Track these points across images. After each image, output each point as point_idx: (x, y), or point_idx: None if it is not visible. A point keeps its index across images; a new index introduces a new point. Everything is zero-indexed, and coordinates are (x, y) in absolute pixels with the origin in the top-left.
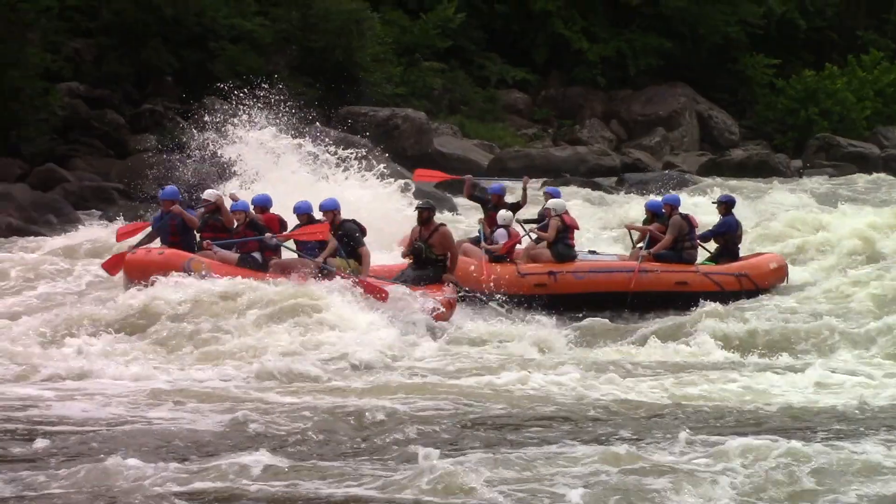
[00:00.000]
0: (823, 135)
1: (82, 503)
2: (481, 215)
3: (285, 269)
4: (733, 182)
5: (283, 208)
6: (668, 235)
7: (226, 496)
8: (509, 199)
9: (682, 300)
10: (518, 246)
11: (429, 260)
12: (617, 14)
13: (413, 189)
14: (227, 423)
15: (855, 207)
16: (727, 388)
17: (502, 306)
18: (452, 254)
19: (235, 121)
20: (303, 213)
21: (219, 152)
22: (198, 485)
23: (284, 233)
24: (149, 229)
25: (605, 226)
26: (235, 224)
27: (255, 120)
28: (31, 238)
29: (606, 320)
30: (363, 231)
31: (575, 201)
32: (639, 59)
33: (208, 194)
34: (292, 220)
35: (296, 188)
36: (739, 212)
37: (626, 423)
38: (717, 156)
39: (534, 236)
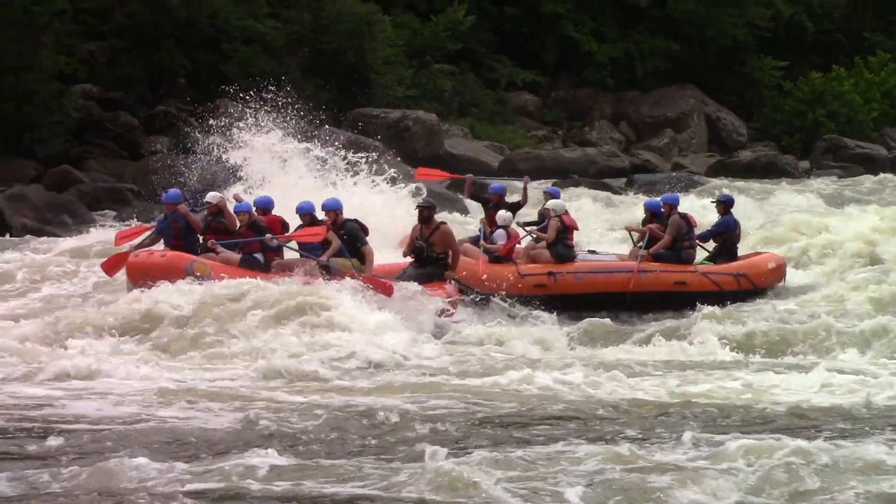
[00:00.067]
0: (831, 136)
1: (91, 502)
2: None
3: (288, 270)
4: (740, 183)
5: (287, 211)
6: (667, 235)
7: (233, 494)
8: (515, 197)
9: (680, 300)
10: (517, 246)
11: (430, 258)
12: (625, 16)
13: (424, 193)
14: (235, 423)
15: (859, 209)
16: (731, 388)
17: (504, 300)
18: (454, 252)
19: (241, 124)
20: (305, 213)
21: (223, 157)
22: (205, 483)
23: (284, 234)
24: (151, 232)
25: (612, 227)
26: (238, 225)
27: (262, 123)
28: (45, 239)
29: (608, 320)
30: (365, 230)
31: (584, 201)
32: (647, 62)
33: (211, 197)
34: (294, 221)
35: (303, 194)
36: (747, 212)
37: (631, 422)
38: (725, 157)
39: (534, 236)
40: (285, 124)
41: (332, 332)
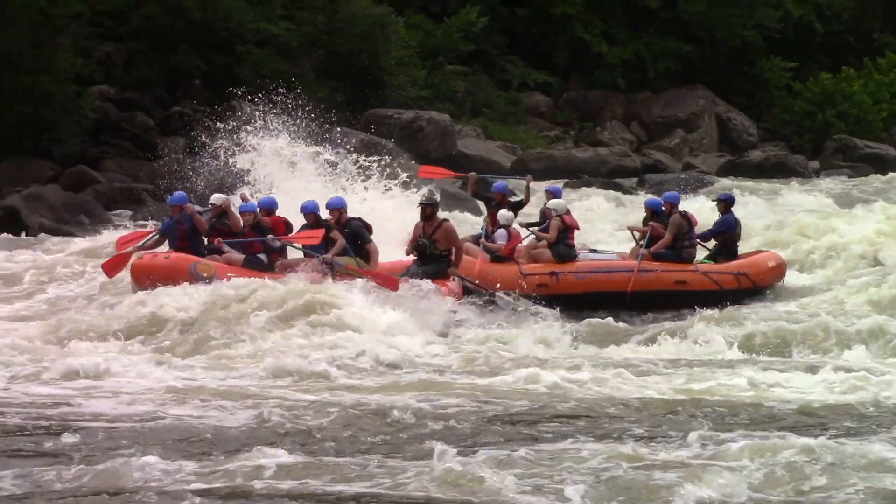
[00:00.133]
0: (840, 136)
1: (100, 500)
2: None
3: (292, 269)
4: (749, 183)
5: (296, 215)
6: (667, 234)
7: (242, 493)
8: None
9: (681, 299)
10: (519, 245)
11: (433, 256)
12: (636, 18)
13: (438, 197)
14: (244, 421)
15: (866, 209)
16: (737, 386)
17: (508, 294)
18: (457, 248)
19: (249, 128)
20: (309, 212)
21: (230, 161)
22: (215, 481)
23: (284, 236)
24: (154, 234)
25: (621, 227)
26: (243, 224)
27: (271, 127)
28: (58, 239)
29: (611, 319)
30: (369, 229)
31: (596, 201)
32: (658, 63)
33: (215, 198)
34: (298, 221)
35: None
36: (758, 212)
37: (637, 420)
38: (735, 157)
39: (535, 236)
40: (296, 127)
41: (341, 331)
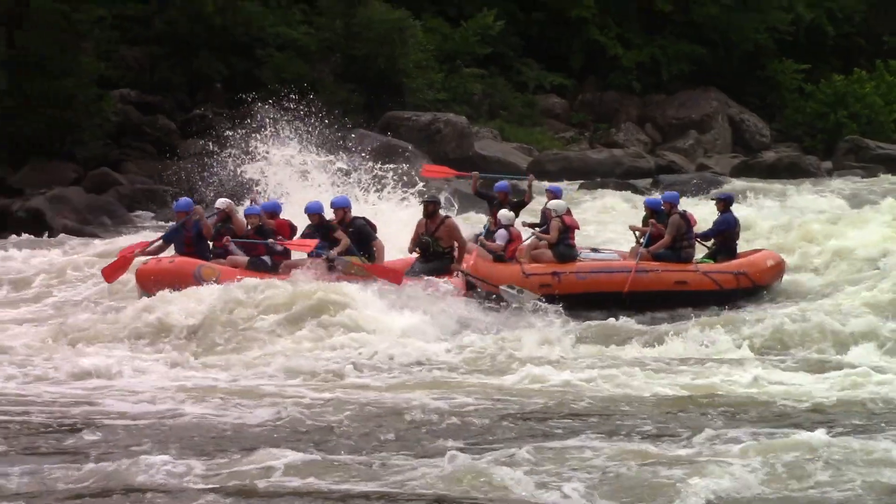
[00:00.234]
0: (852, 137)
1: (110, 498)
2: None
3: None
4: (760, 184)
5: (303, 219)
6: (666, 235)
7: (253, 491)
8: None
9: (681, 299)
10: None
11: (436, 253)
12: (650, 21)
13: (456, 209)
14: (257, 420)
15: (874, 210)
16: (743, 384)
17: (512, 287)
18: (460, 245)
19: (259, 136)
20: (313, 213)
21: (239, 171)
22: (226, 480)
23: (281, 241)
24: (159, 240)
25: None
26: (248, 227)
27: (282, 135)
28: (78, 240)
29: (613, 319)
30: (374, 227)
31: (613, 201)
32: (672, 65)
33: (220, 203)
34: (303, 223)
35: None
36: (773, 213)
37: (645, 418)
38: (749, 158)
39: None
40: (309, 134)
41: (352, 332)
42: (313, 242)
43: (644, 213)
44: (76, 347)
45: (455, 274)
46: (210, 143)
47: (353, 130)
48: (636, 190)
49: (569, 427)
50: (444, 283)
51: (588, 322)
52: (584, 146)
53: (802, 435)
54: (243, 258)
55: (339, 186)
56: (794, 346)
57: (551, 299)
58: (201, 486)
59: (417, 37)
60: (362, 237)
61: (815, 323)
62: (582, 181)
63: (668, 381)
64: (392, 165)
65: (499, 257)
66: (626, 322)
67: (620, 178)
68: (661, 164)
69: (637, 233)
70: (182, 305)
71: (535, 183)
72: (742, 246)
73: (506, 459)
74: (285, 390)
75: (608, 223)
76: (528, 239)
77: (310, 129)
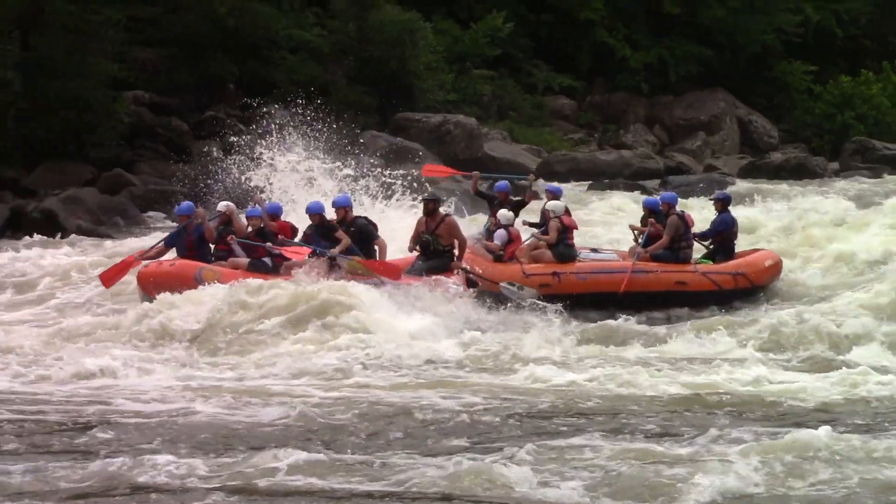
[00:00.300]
0: (859, 138)
1: (116, 496)
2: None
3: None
4: (765, 185)
5: (304, 221)
6: (665, 236)
7: (260, 490)
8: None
9: (680, 299)
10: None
11: (436, 251)
12: (658, 23)
13: (466, 217)
14: (264, 419)
15: (877, 211)
16: (746, 384)
17: (512, 284)
18: (460, 242)
19: (264, 142)
20: (315, 213)
21: (243, 178)
22: (232, 479)
23: (278, 245)
24: (160, 244)
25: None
26: (249, 230)
27: (288, 140)
28: (90, 241)
29: (614, 319)
30: (375, 227)
31: (621, 201)
32: (679, 67)
33: (221, 206)
34: (304, 224)
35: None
36: (781, 215)
37: (648, 417)
38: (756, 158)
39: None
40: (317, 140)
41: (359, 332)
42: (307, 250)
43: (643, 213)
44: (81, 348)
45: (456, 272)
46: (215, 150)
47: (363, 134)
48: (645, 191)
49: (573, 426)
50: (454, 284)
51: (590, 322)
52: (592, 147)
53: (805, 434)
54: (244, 260)
55: (346, 193)
56: (795, 346)
57: (551, 299)
58: (208, 485)
59: (428, 38)
60: (364, 236)
61: (815, 324)
62: (591, 182)
63: (670, 381)
64: (401, 171)
65: (497, 257)
66: (627, 322)
67: (629, 179)
68: (670, 165)
69: (636, 232)
70: (185, 308)
71: (535, 183)
72: (743, 246)
73: (510, 458)
74: (295, 390)
75: (615, 224)
76: (527, 239)
77: (318, 134)
